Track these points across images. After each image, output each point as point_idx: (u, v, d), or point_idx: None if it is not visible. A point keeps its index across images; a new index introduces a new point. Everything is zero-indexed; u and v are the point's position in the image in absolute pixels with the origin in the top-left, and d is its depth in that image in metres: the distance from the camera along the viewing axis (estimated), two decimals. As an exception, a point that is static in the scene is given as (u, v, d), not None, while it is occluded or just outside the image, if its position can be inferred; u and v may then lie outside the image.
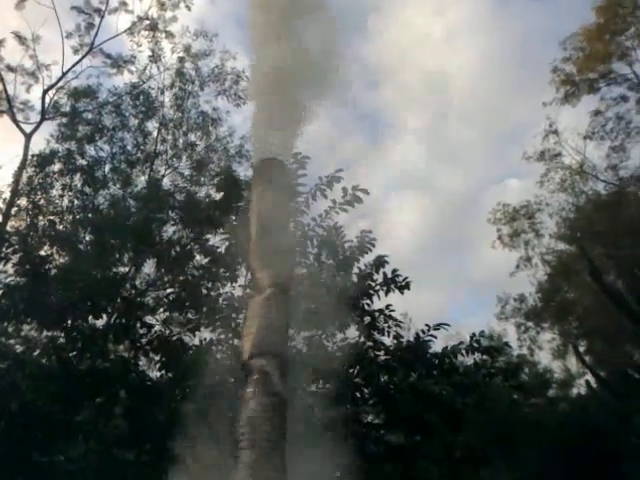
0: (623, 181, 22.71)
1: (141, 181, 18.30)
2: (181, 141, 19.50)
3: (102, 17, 20.31)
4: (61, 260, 12.92)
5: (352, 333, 10.35)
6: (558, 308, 23.74)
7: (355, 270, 10.53)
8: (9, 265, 10.85)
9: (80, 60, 20.15)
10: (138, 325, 10.77)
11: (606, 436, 17.93)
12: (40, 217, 14.90)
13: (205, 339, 10.11)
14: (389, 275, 10.45)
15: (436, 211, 51.51)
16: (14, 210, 15.60)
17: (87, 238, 13.88)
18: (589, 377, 22.67)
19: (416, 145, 52.28)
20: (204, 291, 10.79)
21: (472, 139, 48.80)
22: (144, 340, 10.67)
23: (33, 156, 16.20)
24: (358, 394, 10.00)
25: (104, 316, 10.88)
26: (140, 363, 11.14)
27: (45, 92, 19.39)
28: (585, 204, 23.42)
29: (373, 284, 10.45)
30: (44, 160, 15.63)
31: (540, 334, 25.82)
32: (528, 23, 46.86)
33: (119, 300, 10.95)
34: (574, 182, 23.76)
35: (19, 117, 19.41)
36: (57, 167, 16.01)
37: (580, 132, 23.32)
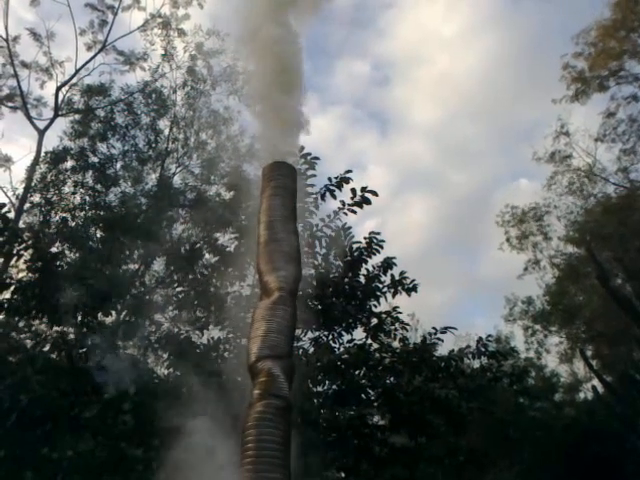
0: (634, 184, 22.60)
1: (152, 179, 18.51)
2: (192, 140, 19.66)
3: (115, 14, 20.58)
4: (72, 256, 13.07)
5: (359, 334, 10.43)
6: (566, 311, 23.65)
7: (363, 271, 10.60)
8: (21, 261, 10.99)
9: (93, 57, 20.36)
10: (147, 323, 10.89)
11: (612, 440, 17.92)
12: (52, 214, 15.06)
13: (213, 337, 10.22)
14: (397, 277, 10.51)
15: (446, 210, 51.58)
16: (27, 206, 15.78)
17: (98, 235, 14.03)
18: (596, 382, 22.62)
19: (426, 143, 52.32)
20: (213, 290, 10.89)
21: (483, 138, 48.86)
22: (153, 338, 10.79)
23: (46, 153, 16.39)
24: (364, 396, 10.07)
25: (113, 313, 11.01)
26: (149, 360, 11.26)
27: (58, 89, 19.60)
28: (594, 207, 23.31)
29: (380, 286, 10.52)
30: (57, 157, 15.79)
31: (547, 337, 25.80)
32: (541, 21, 46.73)
33: (128, 297, 11.07)
34: (583, 185, 23.68)
35: (32, 113, 19.62)
36: (70, 164, 16.19)
37: (591, 134, 23.26)
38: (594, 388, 22.96)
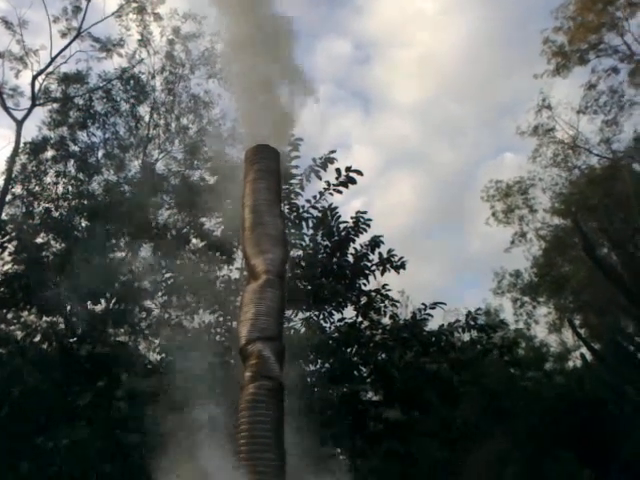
0: (616, 154, 22.73)
1: (135, 166, 18.36)
2: (173, 125, 19.49)
3: (88, 0, 20.08)
4: (58, 247, 12.96)
5: (349, 313, 10.49)
6: (553, 282, 23.89)
7: (351, 251, 10.61)
8: (6, 253, 10.90)
9: (68, 45, 19.92)
10: (137, 309, 10.87)
11: (601, 407, 18.24)
12: (35, 204, 14.91)
13: (204, 322, 10.22)
14: (385, 255, 10.54)
15: (432, 187, 51.61)
16: (8, 198, 15.58)
17: (83, 224, 13.91)
18: (584, 350, 22.94)
19: (410, 121, 52.17)
20: (201, 274, 10.86)
21: (467, 114, 48.71)
22: (143, 324, 10.78)
23: (26, 143, 16.14)
24: (356, 373, 10.16)
25: (103, 301, 10.97)
26: (140, 347, 11.26)
27: (35, 78, 19.19)
28: (579, 178, 23.44)
29: (369, 264, 10.55)
30: (37, 147, 15.57)
31: (536, 308, 26.09)
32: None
33: (117, 285, 11.02)
34: (567, 156, 23.78)
35: (9, 103, 19.22)
36: (50, 154, 15.98)
37: (574, 106, 23.30)
38: (583, 356, 23.28)
